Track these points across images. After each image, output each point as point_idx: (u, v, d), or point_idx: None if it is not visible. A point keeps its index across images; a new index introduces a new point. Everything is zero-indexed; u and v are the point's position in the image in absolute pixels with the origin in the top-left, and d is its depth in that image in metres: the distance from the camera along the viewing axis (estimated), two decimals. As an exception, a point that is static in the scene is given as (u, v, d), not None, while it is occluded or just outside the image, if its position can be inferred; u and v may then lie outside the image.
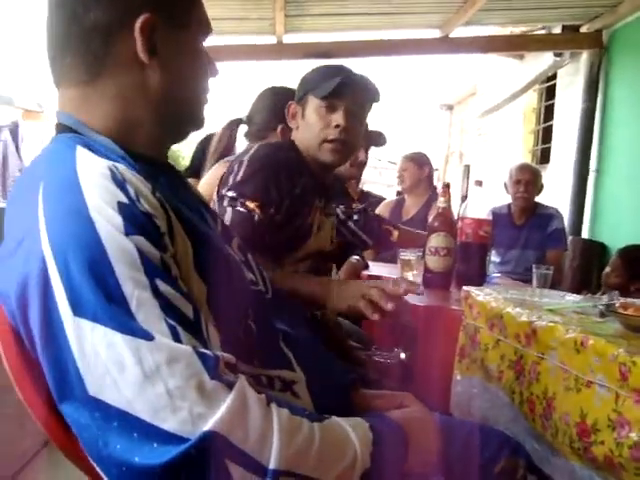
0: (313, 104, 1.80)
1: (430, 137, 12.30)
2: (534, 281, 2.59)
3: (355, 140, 1.85)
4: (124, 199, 0.82)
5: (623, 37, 5.63)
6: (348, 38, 6.06)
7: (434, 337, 1.98)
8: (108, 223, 0.79)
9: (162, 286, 0.80)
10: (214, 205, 1.71)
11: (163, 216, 0.87)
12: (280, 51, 5.94)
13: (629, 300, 1.65)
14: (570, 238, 5.59)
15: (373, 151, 3.21)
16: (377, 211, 4.20)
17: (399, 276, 2.81)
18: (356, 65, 1.88)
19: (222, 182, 1.75)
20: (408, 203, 4.21)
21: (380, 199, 4.36)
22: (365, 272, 3.02)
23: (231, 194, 1.67)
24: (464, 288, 1.79)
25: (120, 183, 0.83)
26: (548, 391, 1.28)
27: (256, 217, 1.64)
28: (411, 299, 2.08)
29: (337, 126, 1.77)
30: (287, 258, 1.75)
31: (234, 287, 0.99)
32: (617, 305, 1.37)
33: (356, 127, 1.82)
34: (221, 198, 1.69)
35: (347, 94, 1.77)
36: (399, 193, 4.48)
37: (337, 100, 1.77)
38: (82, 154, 0.87)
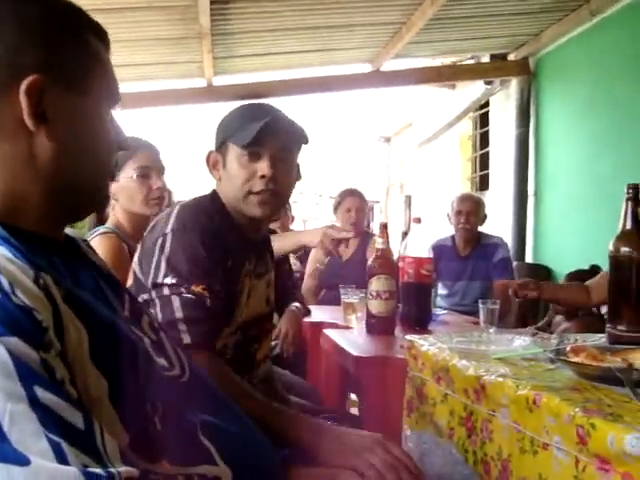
0: (234, 153, 1.63)
1: (370, 170, 12.33)
2: (481, 317, 2.52)
3: (286, 189, 1.68)
4: None
5: (548, 63, 5.74)
6: (279, 77, 6.01)
7: (380, 389, 1.87)
8: None
9: (42, 394, 0.66)
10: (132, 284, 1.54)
11: (47, 307, 0.73)
12: (210, 94, 5.85)
13: (579, 340, 1.57)
14: (515, 264, 5.60)
15: (313, 186, 3.11)
16: (312, 253, 4.05)
17: (343, 316, 2.71)
18: (289, 103, 1.74)
19: (145, 258, 1.54)
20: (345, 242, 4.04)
21: None
22: (306, 319, 2.90)
23: (170, 281, 1.46)
24: (407, 337, 1.68)
25: None
26: (503, 452, 1.18)
27: (208, 302, 1.46)
28: (353, 350, 1.97)
29: (263, 176, 1.59)
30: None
31: (140, 378, 0.86)
32: (567, 350, 1.28)
33: (285, 175, 1.64)
34: (158, 286, 1.47)
35: (271, 140, 1.60)
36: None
37: (260, 147, 1.59)
38: None
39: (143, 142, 2.30)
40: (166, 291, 1.46)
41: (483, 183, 7.38)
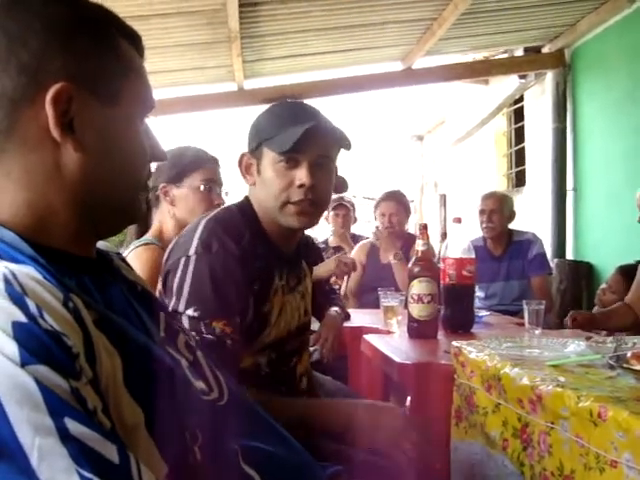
0: (270, 158, 1.51)
1: (403, 169, 12.21)
2: (526, 318, 2.43)
3: (325, 197, 1.58)
4: (21, 318, 0.64)
5: (585, 54, 5.59)
6: (311, 78, 5.96)
7: (425, 397, 1.79)
8: None
9: (73, 426, 0.61)
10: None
11: (77, 331, 0.68)
12: (241, 97, 5.82)
13: (638, 344, 1.48)
14: (555, 261, 5.47)
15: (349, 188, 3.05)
16: (352, 255, 4.05)
17: (384, 320, 2.65)
18: (321, 104, 1.63)
19: (168, 275, 1.47)
20: (384, 246, 4.01)
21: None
22: (347, 324, 2.84)
23: (191, 313, 1.39)
24: (454, 344, 1.61)
25: (17, 297, 0.65)
26: (564, 467, 1.10)
27: (229, 341, 1.38)
28: (395, 357, 1.90)
29: (301, 185, 1.49)
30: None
31: (178, 404, 0.80)
32: (629, 356, 1.20)
33: (324, 183, 1.54)
34: (176, 314, 1.39)
35: (311, 147, 1.48)
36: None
37: (299, 154, 1.49)
38: None
39: (210, 156, 2.30)
40: (186, 323, 1.38)
41: (520, 179, 7.24)
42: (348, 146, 1.57)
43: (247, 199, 1.62)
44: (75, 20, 0.82)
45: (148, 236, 2.21)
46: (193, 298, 1.40)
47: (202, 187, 2.20)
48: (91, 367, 0.68)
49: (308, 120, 1.50)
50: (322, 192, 1.55)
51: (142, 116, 0.88)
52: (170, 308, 1.40)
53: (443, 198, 9.95)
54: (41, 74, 0.78)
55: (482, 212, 3.95)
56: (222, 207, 1.68)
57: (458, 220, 2.40)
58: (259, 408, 1.00)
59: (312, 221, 1.59)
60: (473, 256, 2.37)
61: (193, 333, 1.33)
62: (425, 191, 11.28)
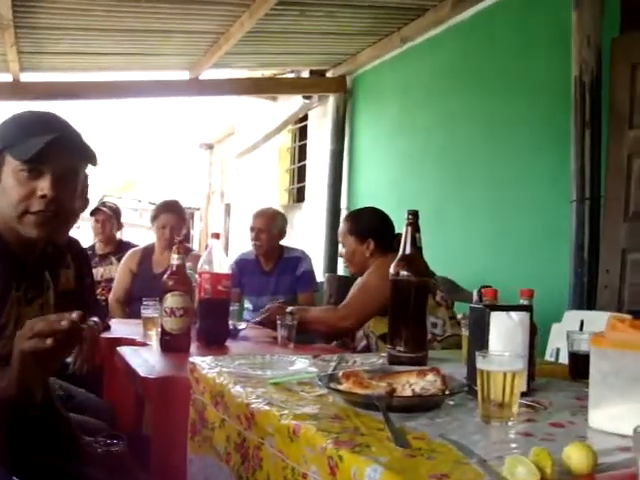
0: (11, 166, 1.46)
1: (191, 176, 12.18)
2: (279, 333, 2.55)
3: (68, 210, 1.55)
4: None
5: (363, 83, 5.97)
6: (92, 78, 5.75)
7: (166, 411, 1.82)
8: None
9: None
10: None
11: None
12: (16, 90, 5.48)
13: (358, 362, 1.61)
14: (326, 275, 5.74)
15: (132, 193, 2.99)
16: (122, 262, 3.98)
17: (143, 332, 2.63)
18: (106, 106, 1.59)
19: None
20: (159, 254, 3.99)
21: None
22: (105, 334, 2.78)
23: None
24: (190, 360, 1.65)
25: None
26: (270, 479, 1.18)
27: None
28: (140, 371, 1.91)
29: (43, 196, 1.44)
30: None
31: None
32: (340, 375, 1.31)
33: (68, 196, 1.50)
34: None
35: (56, 158, 1.44)
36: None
37: (43, 165, 1.44)
38: None
39: None
40: None
41: (300, 195, 7.52)
42: (94, 162, 1.56)
43: None
44: None
45: None
46: None
47: None
48: None
49: (55, 131, 1.46)
50: (65, 204, 1.51)
51: None
52: None
53: (228, 207, 10.05)
54: None
55: (252, 229, 4.04)
56: None
57: (216, 236, 2.46)
58: None
59: (53, 232, 1.55)
60: (230, 272, 2.44)
61: None
62: (212, 200, 11.32)
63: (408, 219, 1.74)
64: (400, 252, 1.73)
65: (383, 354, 1.79)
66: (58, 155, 1.46)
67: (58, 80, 5.66)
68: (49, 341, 1.21)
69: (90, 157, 1.55)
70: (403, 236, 1.74)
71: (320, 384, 1.31)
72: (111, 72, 5.77)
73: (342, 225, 3.03)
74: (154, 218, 3.98)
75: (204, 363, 1.59)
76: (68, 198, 1.52)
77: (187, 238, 4.07)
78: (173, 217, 3.93)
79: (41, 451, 1.65)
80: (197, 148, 11.54)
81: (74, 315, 1.22)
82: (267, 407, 1.20)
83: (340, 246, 3.02)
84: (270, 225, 4.01)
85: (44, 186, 1.45)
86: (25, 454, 1.51)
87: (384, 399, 1.12)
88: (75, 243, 2.96)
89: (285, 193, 7.89)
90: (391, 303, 1.75)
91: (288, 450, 1.10)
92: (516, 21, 4.08)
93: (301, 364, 1.56)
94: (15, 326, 1.53)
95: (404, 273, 1.70)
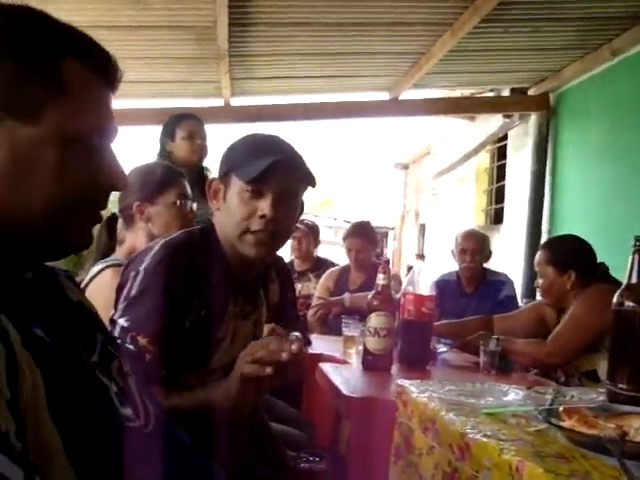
0: (236, 187, 1.53)
1: (386, 196, 12.30)
2: (481, 359, 2.46)
3: (285, 232, 1.60)
4: None
5: (568, 100, 5.67)
6: (297, 101, 5.99)
7: (368, 432, 1.81)
8: None
9: None
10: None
11: (0, 350, 0.68)
12: (228, 113, 5.84)
13: (575, 397, 1.50)
14: (524, 300, 5.50)
15: (328, 210, 3.10)
16: (321, 281, 4.11)
17: (343, 349, 2.66)
18: (308, 127, 1.64)
19: (117, 294, 1.51)
20: (354, 272, 4.09)
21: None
22: (307, 349, 2.84)
23: (122, 322, 1.44)
24: (398, 382, 1.63)
25: None
26: (484, 516, 1.12)
27: (148, 357, 1.41)
28: (343, 389, 1.92)
29: (263, 216, 1.50)
30: (188, 377, 1.52)
31: (101, 432, 0.80)
32: (561, 410, 1.22)
33: (286, 217, 1.56)
34: (112, 323, 1.45)
35: (277, 179, 1.50)
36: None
37: (264, 186, 1.50)
38: None
39: (179, 171, 2.35)
40: (116, 332, 1.43)
41: (498, 216, 7.30)
42: (313, 184, 1.61)
43: (211, 224, 1.64)
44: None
45: (117, 255, 2.18)
46: (129, 309, 1.45)
47: (177, 203, 2.23)
48: (12, 387, 0.68)
49: (278, 153, 1.53)
50: (283, 226, 1.56)
51: (84, 139, 0.83)
52: (110, 315, 1.45)
53: (423, 228, 10.01)
54: None
55: (463, 251, 3.98)
56: (185, 230, 1.69)
57: (421, 257, 2.43)
58: (182, 433, 1.01)
59: (269, 253, 1.61)
60: (434, 293, 2.40)
61: (119, 340, 1.37)
62: (406, 220, 11.34)
63: (635, 245, 1.60)
64: (625, 280, 1.60)
65: (601, 390, 1.66)
66: (280, 176, 1.52)
67: (264, 103, 5.95)
68: (268, 369, 1.27)
69: (310, 179, 1.60)
70: (629, 263, 1.60)
71: (540, 418, 1.23)
72: (315, 95, 5.96)
73: (540, 254, 2.86)
74: (344, 240, 4.17)
75: (413, 387, 1.55)
76: (286, 219, 1.57)
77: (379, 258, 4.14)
78: (359, 241, 4.09)
79: (252, 460, 1.72)
80: (392, 168, 11.64)
81: (294, 347, 1.27)
82: (484, 439, 1.14)
83: (537, 276, 2.87)
84: (483, 246, 3.97)
85: (264, 206, 1.51)
86: (240, 460, 1.58)
87: (619, 443, 1.02)
88: (279, 258, 3.07)
89: (482, 214, 7.70)
90: (613, 336, 1.62)
91: (508, 487, 1.04)
92: None
93: (514, 395, 1.48)
94: (232, 340, 1.61)
95: (629, 304, 1.57)
